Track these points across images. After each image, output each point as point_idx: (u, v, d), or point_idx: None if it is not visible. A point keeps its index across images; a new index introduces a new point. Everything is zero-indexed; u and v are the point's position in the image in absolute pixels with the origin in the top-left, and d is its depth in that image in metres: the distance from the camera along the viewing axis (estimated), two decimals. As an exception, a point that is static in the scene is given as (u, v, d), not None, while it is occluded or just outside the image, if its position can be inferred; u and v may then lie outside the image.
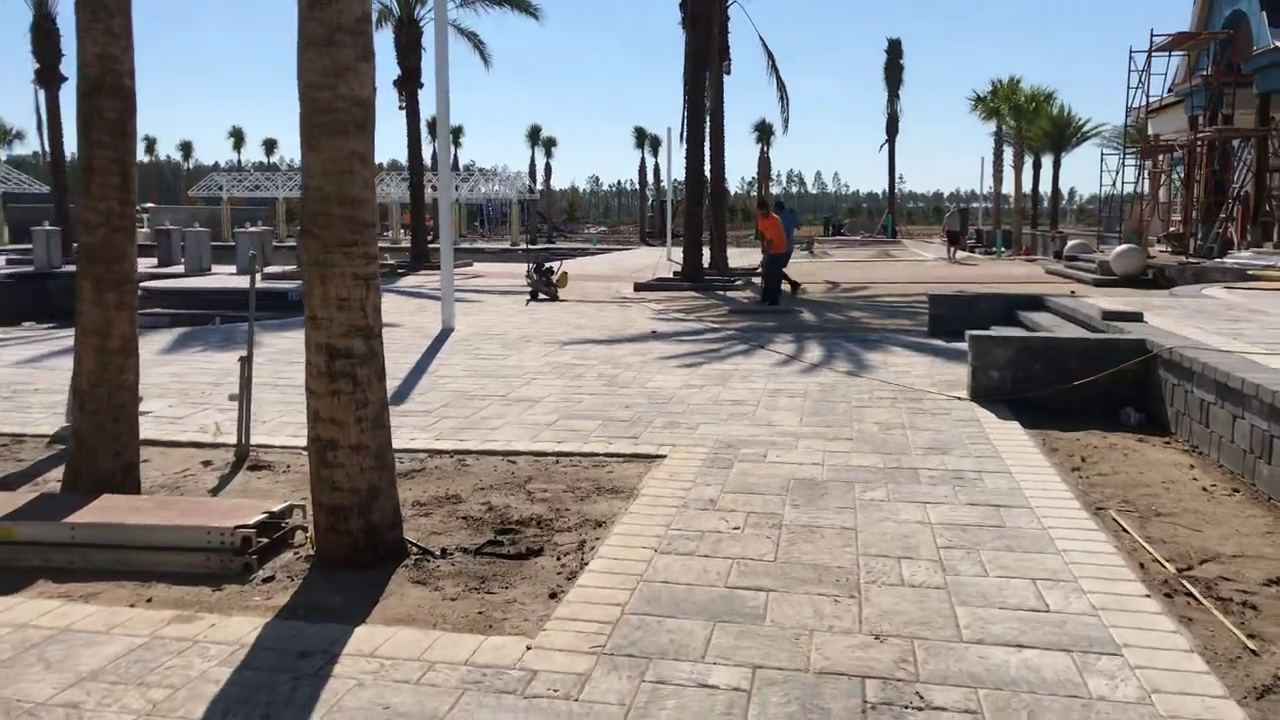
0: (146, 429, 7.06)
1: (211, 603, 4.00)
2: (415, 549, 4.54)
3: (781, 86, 28.18)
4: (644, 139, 71.89)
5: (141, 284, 21.32)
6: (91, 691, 3.21)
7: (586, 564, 4.35)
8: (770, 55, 27.79)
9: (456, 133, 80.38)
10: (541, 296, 17.59)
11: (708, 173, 23.75)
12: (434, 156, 77.19)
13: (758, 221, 17.58)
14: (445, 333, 12.56)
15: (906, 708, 3.08)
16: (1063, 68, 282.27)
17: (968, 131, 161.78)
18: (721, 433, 6.86)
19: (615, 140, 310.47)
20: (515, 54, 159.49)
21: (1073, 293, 13.62)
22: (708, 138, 23.18)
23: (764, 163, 70.35)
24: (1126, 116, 26.50)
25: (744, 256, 30.87)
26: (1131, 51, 24.82)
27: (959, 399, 8.02)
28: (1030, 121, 43.45)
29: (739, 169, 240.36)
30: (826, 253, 39.25)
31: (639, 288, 20.29)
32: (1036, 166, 50.18)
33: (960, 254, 33.92)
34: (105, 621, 3.76)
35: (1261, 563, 4.42)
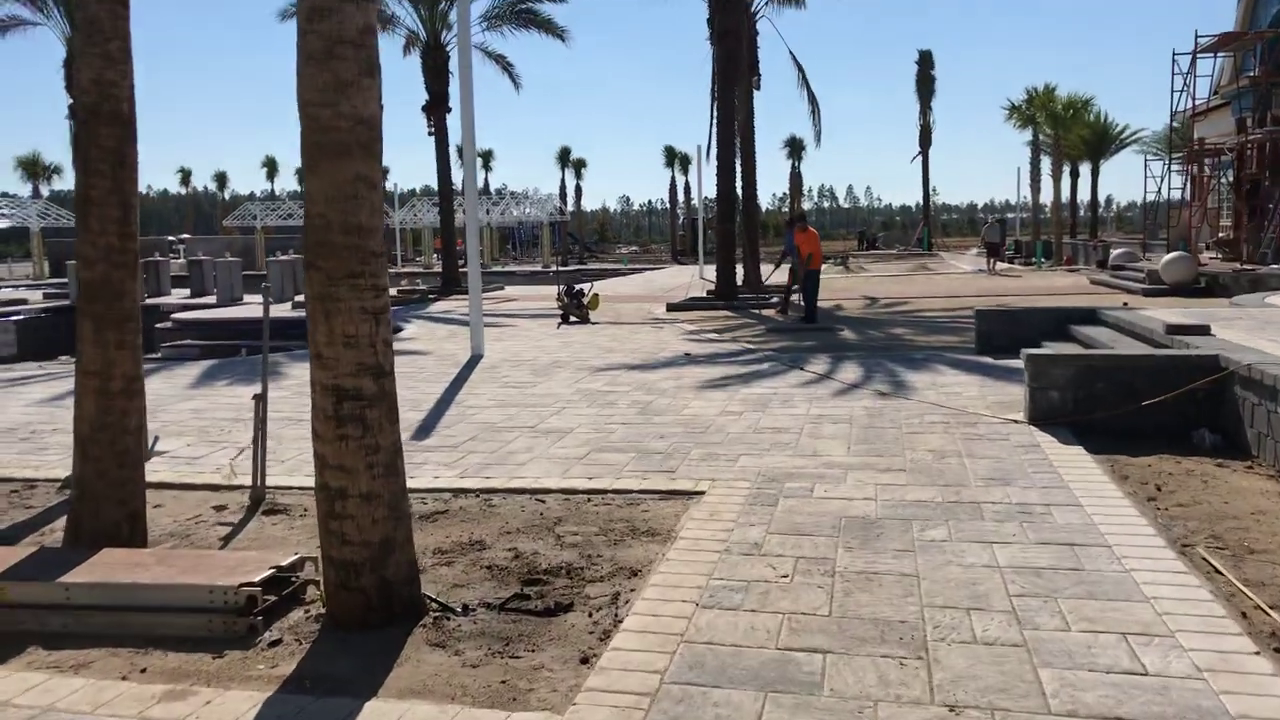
0: (160, 471, 6.81)
1: (210, 673, 3.64)
2: (434, 605, 4.16)
3: (813, 99, 27.80)
4: (674, 157, 71.70)
5: (172, 315, 21.44)
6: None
7: (621, 621, 3.94)
8: (800, 68, 27.44)
9: (487, 156, 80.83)
10: (573, 319, 17.26)
11: (739, 189, 23.38)
12: (464, 180, 77.78)
13: (794, 236, 17.16)
14: (474, 360, 12.25)
15: (996, 804, 2.64)
16: (1097, 74, 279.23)
17: (1002, 141, 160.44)
18: (764, 465, 6.44)
19: (645, 160, 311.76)
20: (544, 76, 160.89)
21: (1125, 304, 13.04)
22: (738, 154, 22.81)
23: (795, 178, 69.89)
24: (1171, 120, 25.77)
25: (780, 274, 30.33)
26: (1175, 54, 24.16)
27: (1016, 422, 7.53)
28: (1068, 129, 42.61)
29: (770, 185, 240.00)
30: (862, 267, 38.65)
31: (671, 308, 19.91)
32: (1074, 175, 49.23)
33: (1000, 265, 33.20)
34: (91, 699, 3.41)
35: (1383, 611, 3.91)
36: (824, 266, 21.01)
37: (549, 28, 26.69)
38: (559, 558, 4.77)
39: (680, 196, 70.90)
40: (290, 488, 6.28)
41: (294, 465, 6.85)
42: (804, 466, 6.37)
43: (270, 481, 6.17)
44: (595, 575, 4.53)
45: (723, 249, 21.84)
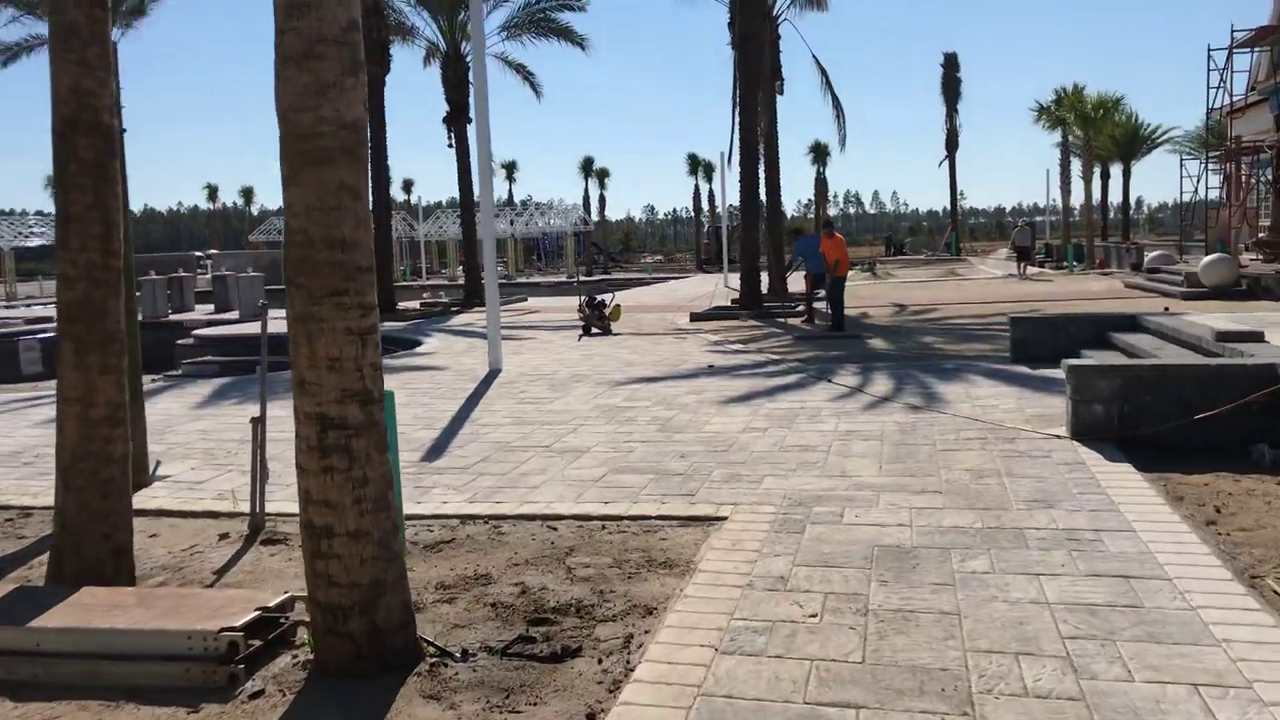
0: (160, 497, 6.55)
1: (183, 730, 3.33)
2: (431, 650, 3.83)
3: (836, 103, 27.38)
4: (697, 165, 71.34)
5: (192, 331, 21.35)
6: None
7: (633, 670, 3.59)
8: (824, 72, 27.03)
9: (510, 168, 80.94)
10: (595, 331, 16.95)
11: (763, 196, 23.01)
12: (489, 192, 77.82)
13: (820, 242, 16.78)
14: (492, 375, 11.95)
15: None
16: (1127, 72, 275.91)
17: (1030, 144, 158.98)
18: (790, 487, 6.06)
19: (669, 168, 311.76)
20: (566, 86, 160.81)
21: (1167, 309, 12.54)
22: (762, 160, 22.45)
23: (820, 184, 69.20)
24: (1206, 118, 25.11)
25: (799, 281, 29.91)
26: (1210, 49, 23.52)
27: (1058, 437, 7.10)
28: (1098, 129, 41.84)
29: (795, 191, 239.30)
30: (890, 273, 38.09)
31: (695, 318, 19.55)
32: (1105, 176, 48.36)
33: (1031, 270, 32.56)
34: (48, 763, 3.10)
35: None
36: (851, 273, 20.56)
37: (568, 36, 26.48)
38: (569, 594, 4.43)
39: (704, 205, 70.55)
40: (292, 515, 5.89)
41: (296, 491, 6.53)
42: (833, 488, 5.99)
43: (272, 508, 5.88)
44: (607, 614, 4.18)
45: (746, 257, 21.47)
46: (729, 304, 21.63)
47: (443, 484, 6.56)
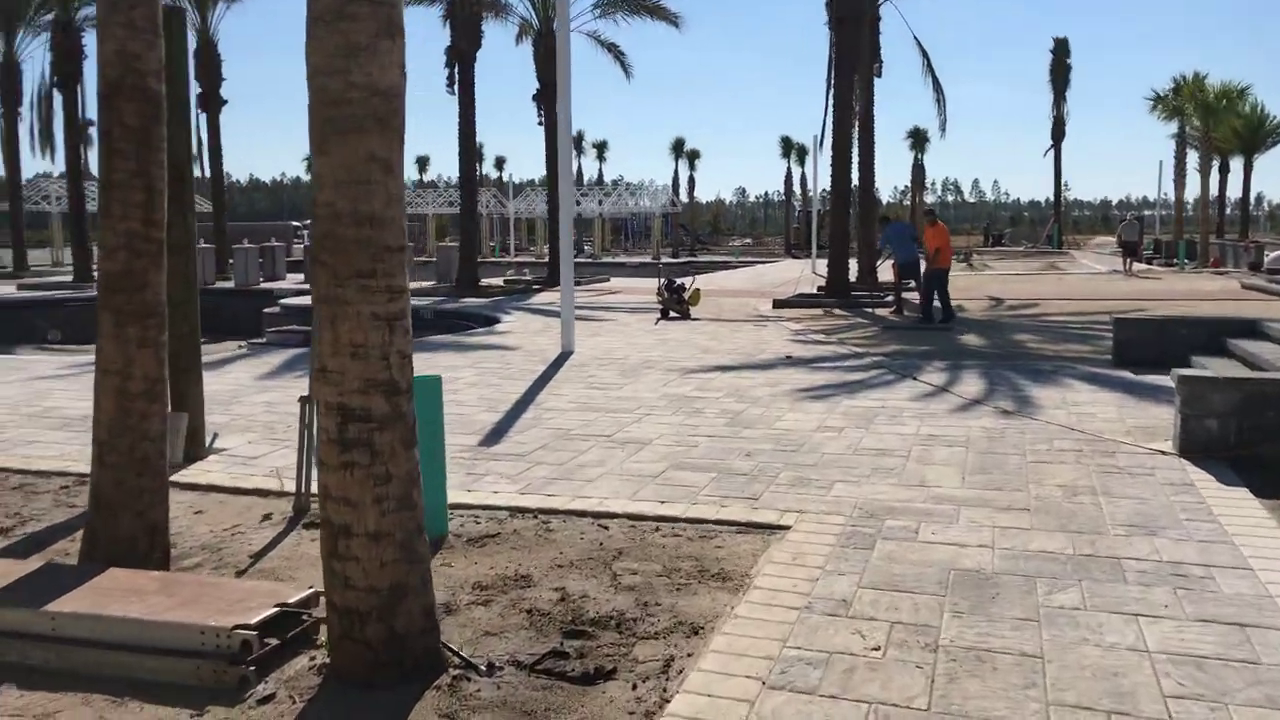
0: (213, 472, 6.45)
1: (183, 736, 3.12)
2: (456, 660, 3.56)
3: (937, 86, 26.36)
4: (790, 148, 70.04)
5: (280, 300, 21.71)
6: None
7: (668, 700, 3.25)
8: (925, 54, 26.03)
9: (601, 147, 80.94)
10: (672, 315, 16.58)
11: (856, 181, 22.27)
12: (579, 171, 77.89)
13: (924, 231, 16.13)
14: (563, 357, 11.70)
15: None
16: (1250, 63, 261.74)
17: (1141, 134, 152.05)
18: (862, 495, 5.63)
19: (762, 150, 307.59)
20: (659, 65, 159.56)
21: (1291, 315, 11.56)
22: (856, 144, 21.70)
23: (918, 170, 67.20)
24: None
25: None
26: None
27: (1163, 453, 6.48)
28: (1219, 120, 39.51)
29: (891, 177, 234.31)
30: (986, 265, 36.74)
31: (778, 304, 19.02)
32: (1224, 170, 45.75)
33: (1137, 266, 30.97)
34: (35, 766, 2.92)
35: None
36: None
37: (661, 14, 26.00)
38: (611, 604, 4.11)
39: (796, 188, 69.36)
40: (339, 497, 5.79)
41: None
42: (909, 499, 5.53)
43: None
44: (649, 630, 3.84)
45: (836, 243, 20.80)
46: (814, 291, 21.02)
47: (497, 471, 6.31)
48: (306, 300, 22.19)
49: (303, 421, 5.59)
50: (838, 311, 17.70)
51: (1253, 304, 16.97)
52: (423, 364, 12.02)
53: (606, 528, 5.17)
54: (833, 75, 20.36)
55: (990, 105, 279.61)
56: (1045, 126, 58.07)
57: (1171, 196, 49.32)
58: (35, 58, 30.95)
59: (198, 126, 55.17)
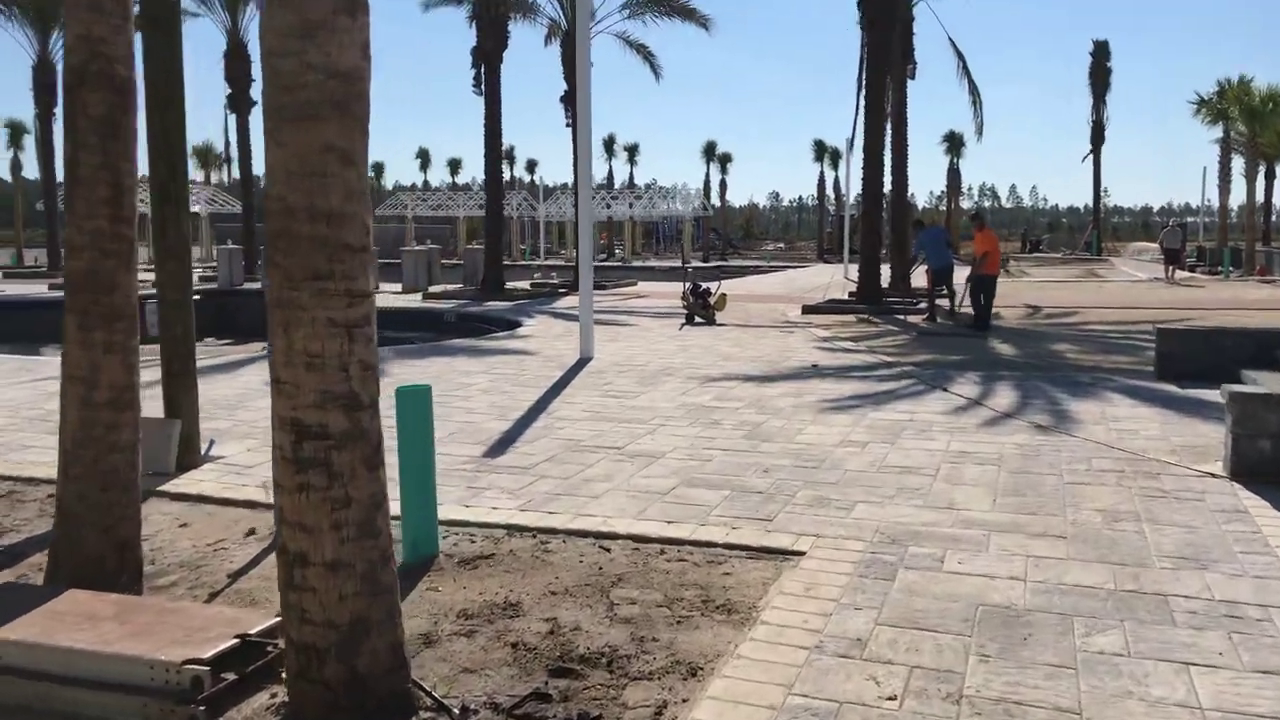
0: (204, 482, 6.19)
1: (115, 787, 2.81)
2: (428, 701, 3.23)
3: (973, 89, 25.74)
4: (823, 151, 69.27)
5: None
6: None
7: (655, 757, 2.89)
8: (960, 56, 25.42)
9: (632, 150, 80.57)
10: (698, 320, 16.21)
11: (889, 184, 21.77)
12: (610, 174, 77.54)
13: (975, 237, 15.67)
14: (581, 363, 11.37)
15: None
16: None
17: (1183, 139, 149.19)
18: (884, 518, 5.24)
19: (795, 154, 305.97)
20: (689, 67, 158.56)
21: (1346, 326, 10.97)
22: (888, 147, 21.20)
23: (953, 175, 66.23)
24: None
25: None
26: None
27: (1213, 476, 6.02)
28: (1265, 124, 38.41)
29: (926, 182, 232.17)
30: (1024, 271, 35.95)
31: (807, 310, 18.58)
32: (1270, 175, 44.53)
33: (1180, 274, 30.11)
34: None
35: None
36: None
37: (690, 15, 25.65)
38: (604, 638, 3.76)
39: (829, 192, 68.63)
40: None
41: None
42: (935, 523, 5.13)
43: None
44: (643, 670, 3.49)
45: (867, 248, 20.33)
46: (845, 297, 20.55)
47: (499, 485, 5.99)
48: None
49: (290, 432, 5.29)
50: (869, 318, 17.24)
51: (1303, 314, 16.28)
52: (439, 369, 11.69)
53: (608, 550, 4.82)
54: (864, 76, 19.90)
55: (1027, 108, 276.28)
56: (1084, 130, 57.06)
57: (1216, 203, 48.14)
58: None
59: (227, 128, 55.55)
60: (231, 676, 3.31)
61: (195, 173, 64.97)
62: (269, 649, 3.51)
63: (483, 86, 22.79)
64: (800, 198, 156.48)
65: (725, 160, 74.35)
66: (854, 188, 30.01)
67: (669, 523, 5.19)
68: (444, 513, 5.32)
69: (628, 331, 15.14)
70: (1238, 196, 39.37)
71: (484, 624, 3.94)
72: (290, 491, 3.00)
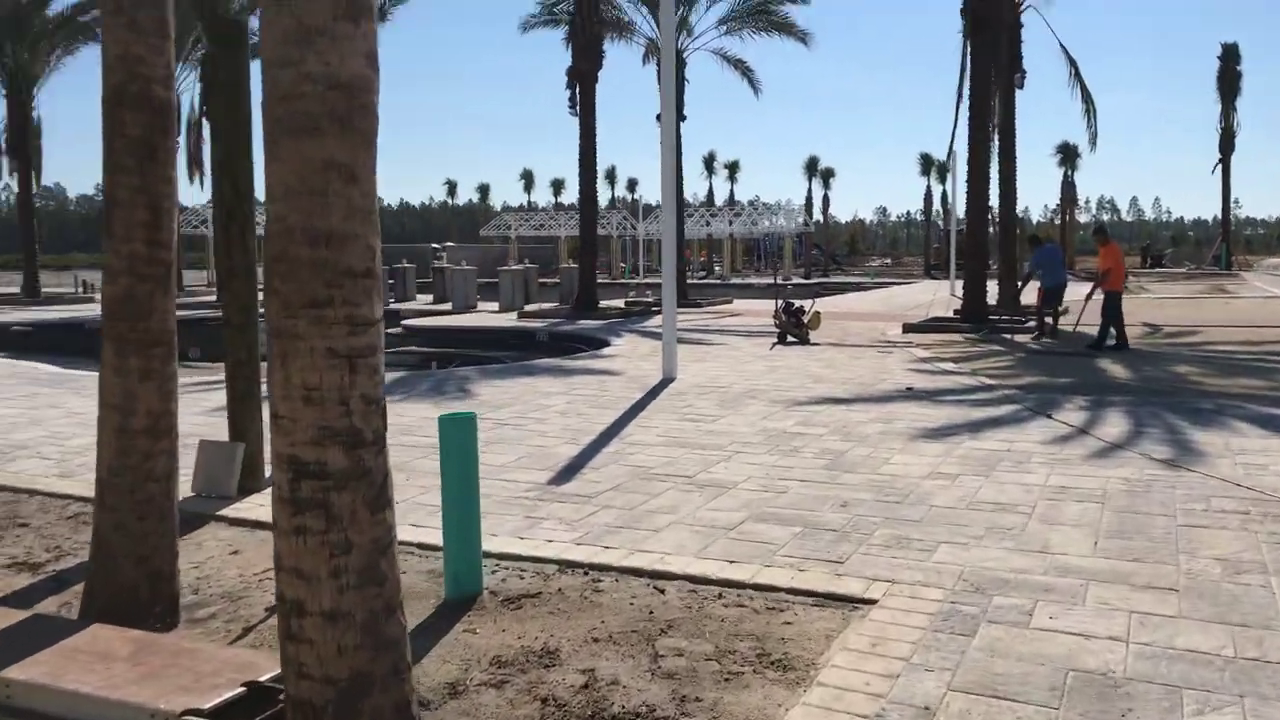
0: (264, 508, 6.06)
1: None
2: (438, 764, 2.96)
3: (1086, 97, 24.49)
4: (930, 165, 67.63)
5: (402, 321, 21.95)
6: None
7: (676, 847, 2.55)
8: (1073, 63, 24.23)
9: (733, 167, 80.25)
10: (790, 339, 15.73)
11: (996, 198, 20.86)
12: (710, 192, 77.28)
13: (1099, 252, 14.87)
14: (663, 384, 11.08)
15: None
16: None
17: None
18: (969, 562, 4.76)
19: (901, 168, 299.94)
20: (789, 82, 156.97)
21: None
22: (995, 159, 20.32)
23: (1068, 188, 63.59)
24: None
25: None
26: None
27: (1356, 520, 5.33)
28: None
29: (1039, 196, 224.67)
30: (1143, 288, 34.09)
31: (908, 329, 17.87)
32: None
33: (1320, 289, 28.02)
34: None
35: None
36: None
37: (789, 30, 25.27)
38: (642, 696, 3.44)
39: (936, 206, 66.83)
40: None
41: (408, 508, 5.89)
42: (1025, 570, 4.63)
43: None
44: (679, 736, 3.15)
45: (972, 264, 19.47)
46: (950, 315, 19.72)
47: (557, 515, 5.73)
48: (428, 322, 22.42)
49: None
50: (972, 337, 16.45)
51: None
52: (520, 389, 11.47)
53: (662, 591, 4.49)
54: (966, 85, 19.13)
55: (1147, 116, 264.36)
56: (1212, 139, 54.02)
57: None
58: (189, 87, 32.35)
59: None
60: (241, 726, 3.12)
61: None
62: (280, 698, 3.30)
63: (578, 107, 22.82)
64: (908, 212, 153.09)
65: (828, 175, 73.33)
66: (960, 202, 28.97)
67: (730, 562, 4.83)
68: (498, 545, 5.10)
69: (716, 351, 14.78)
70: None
71: (516, 674, 3.66)
72: (286, 534, 2.79)
